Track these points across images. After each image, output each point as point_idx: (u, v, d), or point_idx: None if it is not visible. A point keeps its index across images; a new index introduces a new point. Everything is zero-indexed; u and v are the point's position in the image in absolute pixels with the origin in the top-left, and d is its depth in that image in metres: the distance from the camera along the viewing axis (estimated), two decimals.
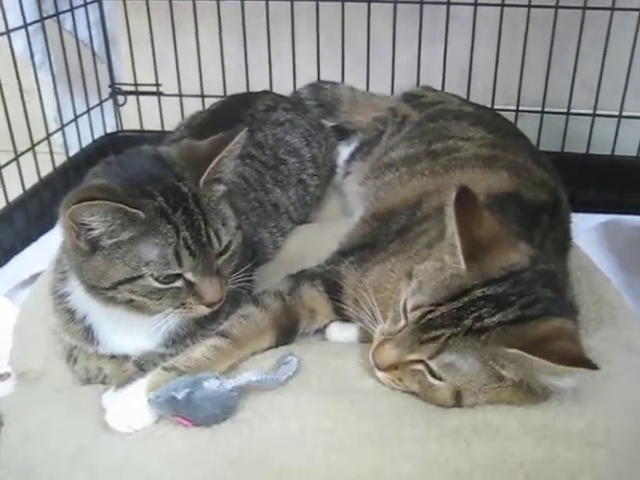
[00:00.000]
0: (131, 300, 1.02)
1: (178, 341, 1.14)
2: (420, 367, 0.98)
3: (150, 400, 0.99)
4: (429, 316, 0.97)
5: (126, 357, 1.16)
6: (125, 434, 1.00)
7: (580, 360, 0.88)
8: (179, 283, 1.02)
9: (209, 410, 0.97)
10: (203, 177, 1.04)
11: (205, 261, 1.02)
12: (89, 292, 1.05)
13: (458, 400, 0.97)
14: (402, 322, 1.01)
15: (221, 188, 1.09)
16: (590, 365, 0.87)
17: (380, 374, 1.03)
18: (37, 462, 0.98)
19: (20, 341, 1.29)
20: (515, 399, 0.96)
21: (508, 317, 0.94)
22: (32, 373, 1.21)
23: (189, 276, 1.02)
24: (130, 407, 1.01)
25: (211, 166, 1.05)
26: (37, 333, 1.26)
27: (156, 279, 1.00)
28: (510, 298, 0.96)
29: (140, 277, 0.99)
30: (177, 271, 1.00)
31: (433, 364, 0.97)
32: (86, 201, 0.94)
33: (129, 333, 1.13)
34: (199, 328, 1.14)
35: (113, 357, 1.17)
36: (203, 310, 1.06)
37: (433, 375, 0.97)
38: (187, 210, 1.01)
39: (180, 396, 0.96)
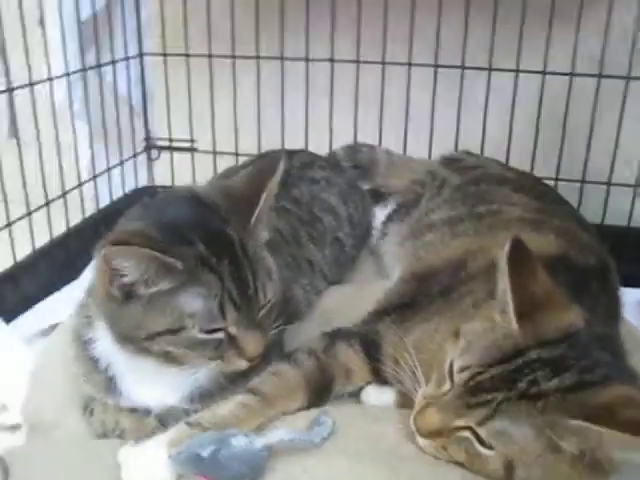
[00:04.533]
0: (168, 352, 0.95)
1: (205, 397, 1.06)
2: (467, 434, 0.90)
3: (171, 456, 0.91)
4: (478, 378, 0.89)
5: (147, 412, 1.08)
6: None
7: None
8: (221, 335, 0.95)
9: (236, 470, 0.89)
10: (254, 217, 0.99)
11: (249, 314, 0.96)
12: (119, 342, 0.98)
13: (509, 472, 0.88)
14: (447, 384, 0.94)
15: (265, 235, 1.05)
16: None
17: (422, 441, 0.95)
18: None
19: (35, 390, 1.22)
20: (574, 474, 0.87)
21: (566, 382, 0.86)
22: (45, 423, 1.14)
23: (232, 330, 0.95)
24: (149, 463, 0.93)
25: (260, 204, 0.99)
26: (53, 382, 1.20)
27: (199, 330, 0.93)
28: (567, 362, 0.88)
29: (183, 329, 0.92)
30: (220, 325, 0.94)
31: (482, 431, 0.88)
32: (121, 245, 0.89)
33: (154, 385, 1.06)
34: (229, 384, 1.07)
35: (133, 411, 1.10)
36: (242, 364, 0.99)
37: (482, 443, 0.89)
38: (234, 258, 0.95)
39: (205, 453, 0.88)
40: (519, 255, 0.93)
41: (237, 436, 0.91)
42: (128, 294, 0.93)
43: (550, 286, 0.94)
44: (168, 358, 0.96)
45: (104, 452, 1.02)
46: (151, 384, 1.05)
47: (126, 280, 0.92)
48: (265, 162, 1.05)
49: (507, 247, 0.92)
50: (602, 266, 1.27)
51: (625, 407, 0.82)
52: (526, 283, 0.92)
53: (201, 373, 1.01)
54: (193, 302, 0.92)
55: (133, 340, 0.95)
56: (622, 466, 0.86)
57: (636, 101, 1.79)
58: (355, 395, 1.15)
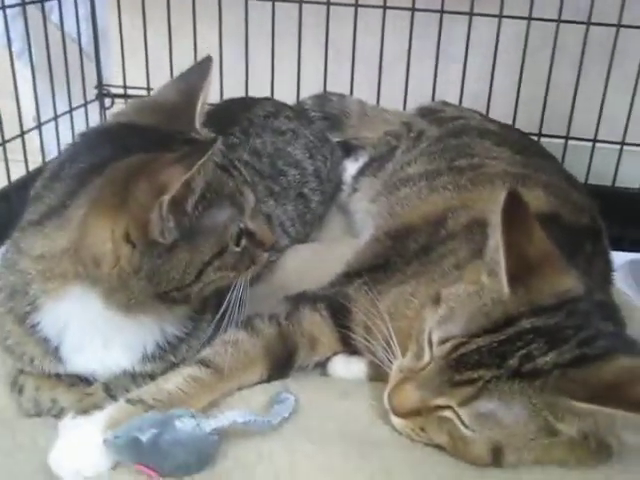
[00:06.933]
0: (210, 284, 0.90)
1: (158, 356, 0.95)
2: (449, 414, 0.79)
3: (106, 441, 0.79)
4: (462, 350, 0.78)
5: (89, 383, 0.96)
6: None
7: None
8: (244, 242, 0.92)
9: (180, 458, 0.78)
10: (195, 119, 0.95)
11: (255, 203, 0.96)
12: (148, 302, 0.88)
13: (497, 458, 0.78)
14: (427, 357, 0.82)
15: None
16: None
17: (397, 421, 0.84)
18: None
19: None
20: (570, 459, 0.77)
21: (565, 356, 0.75)
22: None
23: (249, 223, 0.93)
24: (80, 448, 0.81)
25: (197, 111, 0.95)
26: None
27: (234, 244, 0.91)
28: (565, 332, 0.78)
29: (226, 247, 0.89)
30: (241, 220, 0.91)
31: (464, 413, 0.77)
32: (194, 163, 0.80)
33: (106, 346, 0.94)
34: (180, 342, 0.97)
35: (72, 385, 0.97)
36: (264, 258, 0.98)
37: (465, 425, 0.78)
38: (221, 153, 0.93)
39: (145, 438, 0.77)
40: (515, 210, 0.81)
41: (183, 417, 0.79)
42: (183, 231, 0.85)
43: (548, 246, 0.83)
44: (203, 292, 0.92)
45: (34, 433, 0.90)
46: (103, 345, 0.93)
47: (188, 207, 0.84)
48: (193, 67, 0.99)
49: (502, 199, 0.80)
50: (595, 226, 1.17)
51: (633, 383, 0.72)
52: (521, 241, 0.81)
53: (157, 327, 0.94)
54: (225, 205, 0.89)
55: (174, 290, 0.88)
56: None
57: (624, 53, 1.67)
58: (322, 366, 1.04)
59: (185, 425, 0.78)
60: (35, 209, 0.90)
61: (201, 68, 0.99)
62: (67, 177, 0.88)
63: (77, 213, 0.84)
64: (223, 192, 0.89)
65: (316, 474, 0.79)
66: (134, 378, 0.96)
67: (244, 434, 0.84)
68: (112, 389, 0.94)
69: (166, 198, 0.79)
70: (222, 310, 0.96)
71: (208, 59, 1.00)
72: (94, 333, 0.92)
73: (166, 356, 0.96)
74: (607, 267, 1.16)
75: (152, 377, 0.95)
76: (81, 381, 0.97)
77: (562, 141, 1.77)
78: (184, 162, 0.81)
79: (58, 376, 0.97)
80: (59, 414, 0.94)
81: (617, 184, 1.79)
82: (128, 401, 0.86)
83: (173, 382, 0.89)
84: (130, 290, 0.86)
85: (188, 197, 0.83)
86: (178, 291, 0.88)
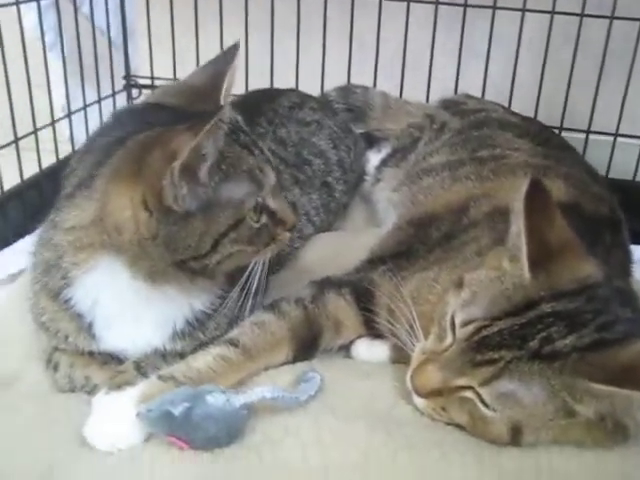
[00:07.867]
0: (229, 256, 0.92)
1: (188, 333, 0.98)
2: (470, 395, 0.82)
3: (140, 414, 0.82)
4: (484, 332, 0.81)
5: (121, 362, 0.99)
6: (106, 453, 0.83)
7: None
8: (264, 219, 0.94)
9: (211, 431, 0.81)
10: (220, 101, 0.95)
11: (276, 181, 0.98)
12: (167, 271, 0.91)
13: (516, 437, 0.80)
14: (449, 339, 0.85)
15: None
16: None
17: (419, 401, 0.87)
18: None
19: None
20: (587, 439, 0.79)
21: (584, 340, 0.78)
22: (5, 376, 1.03)
23: (269, 201, 0.94)
24: (114, 421, 0.85)
25: (222, 94, 0.96)
26: (14, 332, 1.09)
27: (252, 219, 0.93)
28: (584, 316, 0.80)
29: (242, 220, 0.91)
30: (259, 194, 0.93)
31: (485, 392, 0.80)
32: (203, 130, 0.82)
33: (137, 322, 0.97)
34: (208, 319, 1.00)
35: (105, 364, 1.00)
36: (286, 237, 1.00)
37: (486, 405, 0.80)
38: (243, 132, 0.95)
39: (177, 411, 0.80)
40: (537, 197, 0.83)
41: (213, 393, 0.82)
42: (200, 201, 0.87)
43: (568, 233, 0.85)
44: (223, 266, 0.94)
45: (69, 407, 0.94)
46: (134, 323, 0.97)
47: (200, 175, 0.86)
48: (220, 54, 1.02)
49: (525, 187, 0.82)
50: (614, 217, 1.18)
51: None
52: (543, 228, 0.83)
53: (185, 302, 0.97)
54: (242, 179, 0.91)
55: (191, 260, 0.90)
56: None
57: None
58: (345, 349, 1.06)
59: (216, 400, 0.81)
60: (69, 182, 0.94)
61: (227, 54, 1.01)
62: (95, 150, 0.92)
63: (101, 183, 0.87)
64: (241, 167, 0.91)
65: (341, 448, 0.82)
66: (164, 357, 0.98)
67: (272, 410, 0.86)
68: (143, 367, 0.97)
69: (177, 164, 0.82)
70: (241, 284, 0.98)
71: (235, 46, 1.02)
72: (124, 306, 0.95)
73: (195, 333, 0.99)
74: (626, 259, 1.17)
75: (181, 356, 0.98)
76: (113, 359, 1.00)
77: (583, 135, 1.76)
78: (193, 130, 0.83)
79: (91, 354, 1.00)
80: (92, 391, 0.97)
81: (638, 178, 1.79)
82: (160, 378, 0.89)
83: (203, 361, 0.92)
84: (150, 257, 0.89)
85: (199, 164, 0.85)
86: (195, 260, 0.90)
